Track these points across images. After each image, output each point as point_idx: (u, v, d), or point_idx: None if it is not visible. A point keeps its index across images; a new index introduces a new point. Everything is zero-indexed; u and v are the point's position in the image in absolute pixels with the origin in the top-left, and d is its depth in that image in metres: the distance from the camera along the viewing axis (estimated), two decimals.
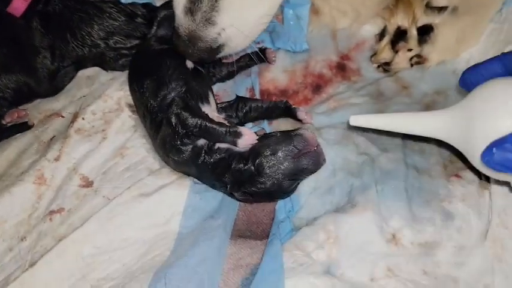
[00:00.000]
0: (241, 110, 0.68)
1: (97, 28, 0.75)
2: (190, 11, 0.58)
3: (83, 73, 0.79)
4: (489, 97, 0.42)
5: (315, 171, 0.59)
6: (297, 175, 0.57)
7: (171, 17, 0.65)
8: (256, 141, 0.58)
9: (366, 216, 0.57)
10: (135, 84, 0.67)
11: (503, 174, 0.45)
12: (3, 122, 0.73)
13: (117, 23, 0.76)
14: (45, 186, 0.66)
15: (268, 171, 0.56)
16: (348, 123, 0.56)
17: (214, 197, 0.63)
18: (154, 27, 0.72)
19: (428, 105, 0.70)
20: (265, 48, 0.75)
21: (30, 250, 0.62)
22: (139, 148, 0.69)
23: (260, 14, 0.62)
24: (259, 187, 0.56)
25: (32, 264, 0.58)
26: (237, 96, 0.70)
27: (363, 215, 0.58)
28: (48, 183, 0.66)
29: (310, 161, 0.57)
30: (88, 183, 0.67)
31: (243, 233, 0.62)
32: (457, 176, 0.61)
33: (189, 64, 0.66)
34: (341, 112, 0.70)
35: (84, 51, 0.76)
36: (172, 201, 0.62)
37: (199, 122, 0.59)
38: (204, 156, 0.59)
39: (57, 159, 0.68)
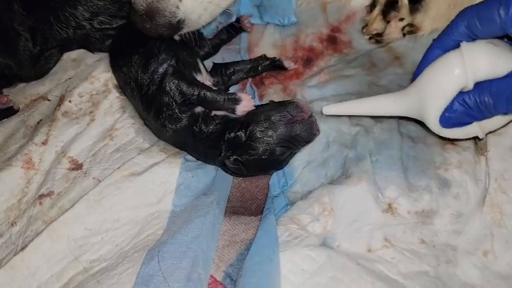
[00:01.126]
0: (225, 75, 0.68)
1: (81, 9, 0.73)
2: None
3: (68, 56, 0.77)
4: (431, 74, 0.50)
5: (309, 141, 0.58)
6: (289, 142, 0.57)
7: None
8: (254, 108, 0.59)
9: (361, 187, 0.56)
10: (120, 61, 0.65)
11: (462, 132, 0.52)
12: None
13: (101, 3, 0.73)
14: (33, 171, 0.65)
15: (260, 135, 0.56)
16: (322, 111, 0.60)
17: (206, 174, 0.62)
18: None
19: None
20: (239, 17, 0.74)
21: (21, 235, 0.60)
22: (129, 129, 0.68)
23: None
24: (252, 153, 0.56)
25: (23, 248, 0.57)
26: (214, 64, 0.70)
27: (357, 185, 0.57)
28: (36, 167, 0.65)
29: (303, 128, 0.57)
30: (77, 166, 0.65)
31: (237, 209, 0.61)
32: (452, 143, 0.60)
33: (176, 36, 0.64)
34: (333, 84, 0.68)
35: (69, 33, 0.74)
36: (163, 180, 0.61)
37: (197, 90, 0.58)
38: (200, 123, 0.59)
39: (44, 142, 0.67)
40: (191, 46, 0.67)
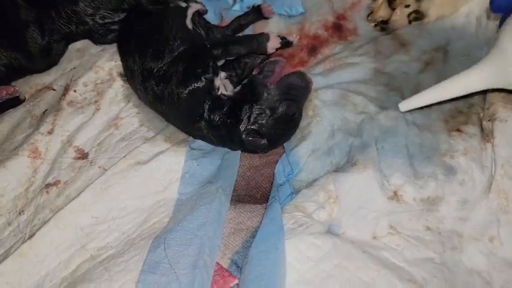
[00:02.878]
0: (238, 68, 0.69)
1: (82, 5, 0.72)
2: None
3: (73, 46, 0.77)
4: (509, 34, 0.46)
5: (304, 88, 0.62)
6: (287, 94, 0.60)
7: None
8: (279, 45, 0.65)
9: (366, 174, 0.56)
10: (131, 49, 0.65)
11: None
12: None
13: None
14: (40, 160, 0.65)
15: (261, 99, 0.60)
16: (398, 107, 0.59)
17: (211, 163, 0.62)
18: None
19: (428, 63, 0.68)
20: (259, 5, 0.74)
21: (29, 223, 0.61)
22: (133, 118, 0.68)
23: None
24: (263, 117, 0.59)
25: (31, 236, 0.58)
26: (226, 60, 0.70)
27: (363, 173, 0.56)
28: (43, 156, 0.65)
29: (293, 76, 0.61)
30: (83, 155, 0.65)
31: (242, 198, 0.62)
32: (458, 130, 0.60)
33: (189, 24, 0.65)
34: (338, 72, 0.68)
35: (72, 29, 0.74)
36: (169, 168, 0.61)
37: (231, 39, 0.65)
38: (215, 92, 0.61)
39: (50, 132, 0.67)
40: (202, 33, 0.67)
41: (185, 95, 0.59)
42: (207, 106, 0.60)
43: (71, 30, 0.74)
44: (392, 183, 0.57)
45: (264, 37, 0.64)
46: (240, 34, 0.74)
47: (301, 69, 0.68)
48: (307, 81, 0.61)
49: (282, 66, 0.62)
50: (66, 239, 0.57)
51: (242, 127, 0.60)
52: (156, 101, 0.62)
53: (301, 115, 0.62)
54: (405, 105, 0.57)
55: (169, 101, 0.61)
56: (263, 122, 0.60)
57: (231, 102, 0.61)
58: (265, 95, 0.60)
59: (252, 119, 0.60)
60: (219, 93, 0.61)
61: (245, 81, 0.63)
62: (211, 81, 0.60)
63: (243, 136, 0.60)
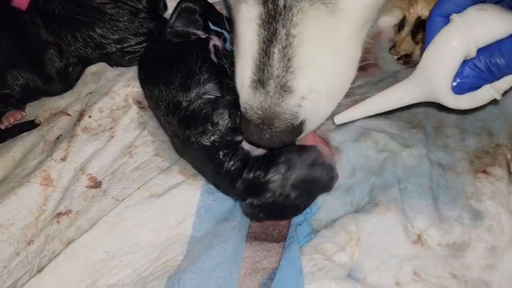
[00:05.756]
0: None
1: (99, 31, 0.72)
2: (260, 82, 0.44)
3: (89, 69, 0.77)
4: (432, 52, 0.49)
5: (327, 187, 0.57)
6: (307, 185, 0.55)
7: (191, 9, 0.64)
8: None
9: (389, 216, 0.54)
10: (155, 78, 0.63)
11: (478, 98, 0.50)
12: (1, 127, 0.71)
13: (120, 24, 0.72)
14: (51, 188, 0.64)
15: (277, 177, 0.54)
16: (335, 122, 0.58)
17: (227, 198, 0.60)
18: (172, 20, 0.68)
19: None
20: None
21: (38, 254, 0.59)
22: (149, 146, 0.67)
23: (345, 67, 0.47)
24: (267, 196, 0.54)
25: (40, 270, 0.56)
26: None
27: (386, 214, 0.55)
28: (55, 184, 0.64)
29: (321, 172, 0.56)
30: (96, 184, 0.64)
31: (258, 235, 0.59)
32: (484, 172, 0.58)
33: (214, 58, 0.63)
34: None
35: (87, 52, 0.73)
36: (184, 202, 0.59)
37: None
38: (227, 151, 0.57)
39: (63, 159, 0.66)
40: (225, 67, 0.65)
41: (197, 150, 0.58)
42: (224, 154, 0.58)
43: (87, 54, 0.73)
44: (416, 226, 0.55)
45: None
46: None
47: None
48: (332, 178, 0.57)
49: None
50: (76, 274, 0.55)
51: (244, 197, 0.56)
52: (174, 135, 0.61)
53: (309, 205, 0.58)
54: (340, 118, 0.57)
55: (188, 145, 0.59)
56: (267, 202, 0.54)
57: (238, 166, 0.57)
58: (283, 171, 0.55)
59: (256, 195, 0.55)
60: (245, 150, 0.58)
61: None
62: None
63: (241, 206, 0.57)
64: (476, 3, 0.47)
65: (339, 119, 0.57)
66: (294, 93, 0.44)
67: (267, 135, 0.47)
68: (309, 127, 0.48)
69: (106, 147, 0.67)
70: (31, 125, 0.71)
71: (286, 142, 0.49)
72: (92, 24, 0.72)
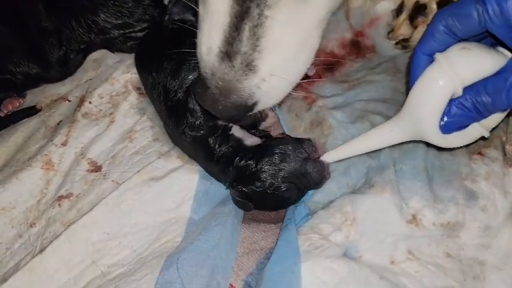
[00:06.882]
0: None
1: (103, 16, 0.72)
2: (227, 54, 0.44)
3: (89, 56, 0.77)
4: (418, 92, 0.48)
5: (317, 183, 0.57)
6: (298, 179, 0.55)
7: None
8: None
9: (384, 197, 0.55)
10: (150, 64, 0.64)
11: (466, 137, 0.50)
12: (1, 115, 0.72)
13: (124, 10, 0.73)
14: (53, 172, 0.65)
15: (269, 167, 0.55)
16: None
17: None
18: (170, 6, 0.68)
19: None
20: None
21: (40, 236, 0.60)
22: (148, 131, 0.67)
23: (307, 57, 0.48)
24: (258, 185, 0.55)
25: (42, 250, 0.57)
26: None
27: (381, 195, 0.55)
28: (56, 168, 0.65)
29: (314, 168, 0.55)
30: (96, 168, 0.65)
31: (256, 216, 0.61)
32: (480, 154, 0.58)
33: None
34: (356, 91, 0.67)
35: (91, 38, 0.74)
36: (182, 186, 0.60)
37: None
38: (217, 137, 0.58)
39: (64, 143, 0.67)
40: None
41: (188, 140, 0.59)
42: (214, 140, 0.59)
43: (90, 40, 0.74)
44: (411, 207, 0.55)
45: (261, 114, 0.57)
46: None
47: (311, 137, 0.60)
48: (324, 176, 0.56)
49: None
50: (77, 254, 0.56)
51: (234, 185, 0.56)
52: (165, 124, 0.63)
53: (299, 200, 0.58)
54: (328, 157, 0.56)
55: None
56: (257, 191, 0.55)
57: (230, 154, 0.57)
58: (276, 162, 0.55)
59: (247, 183, 0.55)
60: (218, 145, 0.58)
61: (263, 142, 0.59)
62: (214, 126, 0.59)
63: (231, 192, 0.57)
64: (459, 41, 0.47)
65: (327, 157, 0.57)
66: (257, 73, 0.44)
67: (220, 106, 0.47)
68: (259, 107, 0.49)
69: (106, 132, 0.68)
70: (32, 111, 0.72)
71: (235, 117, 0.50)
72: (95, 9, 0.72)
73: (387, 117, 0.63)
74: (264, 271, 0.51)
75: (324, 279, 0.49)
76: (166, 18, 0.69)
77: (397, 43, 0.71)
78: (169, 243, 0.57)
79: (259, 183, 0.55)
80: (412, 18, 0.69)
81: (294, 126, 0.65)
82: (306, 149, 0.56)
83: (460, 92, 0.46)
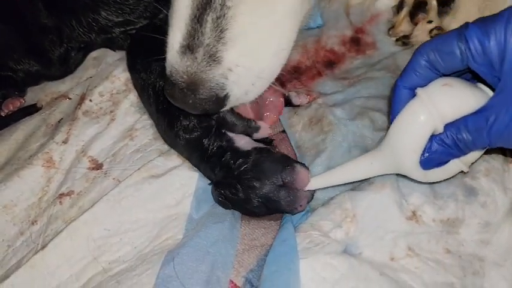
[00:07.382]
0: None
1: (104, 14, 0.72)
2: (189, 47, 0.44)
3: (90, 54, 0.77)
4: (399, 127, 0.49)
5: (286, 210, 0.56)
6: (268, 201, 0.55)
7: None
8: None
9: (384, 193, 0.55)
10: (139, 65, 0.64)
11: (446, 172, 0.50)
12: (2, 114, 0.73)
13: (125, 7, 0.73)
14: (54, 169, 0.65)
15: (244, 179, 0.54)
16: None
17: None
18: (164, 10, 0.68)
19: None
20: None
21: (41, 234, 0.61)
22: (149, 129, 0.68)
23: (276, 48, 0.48)
24: (233, 192, 0.55)
25: (43, 247, 0.57)
26: None
27: (381, 192, 0.55)
28: (57, 166, 0.65)
29: (286, 197, 0.54)
30: (97, 166, 0.65)
31: None
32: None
33: None
34: (356, 87, 0.67)
35: (92, 37, 0.74)
36: (182, 183, 0.60)
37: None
38: (211, 137, 0.58)
39: (65, 141, 0.67)
40: None
41: (182, 142, 0.59)
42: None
43: (91, 39, 0.74)
44: (411, 203, 0.55)
45: (254, 127, 0.60)
46: None
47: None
48: (295, 207, 0.55)
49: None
50: (78, 250, 0.56)
51: (216, 184, 0.56)
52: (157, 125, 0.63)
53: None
54: (309, 185, 0.56)
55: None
56: (230, 197, 0.55)
57: (220, 153, 0.57)
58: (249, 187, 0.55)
59: (227, 185, 0.55)
60: (211, 144, 0.58)
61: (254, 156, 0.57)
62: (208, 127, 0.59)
63: (212, 191, 0.57)
64: (440, 76, 0.47)
65: (311, 186, 0.56)
66: (221, 64, 0.44)
67: (190, 101, 0.47)
68: (232, 101, 0.49)
69: (107, 130, 0.68)
70: (33, 109, 0.72)
71: (208, 111, 0.50)
72: (96, 7, 0.72)
73: (387, 114, 0.63)
74: (263, 270, 0.51)
75: (324, 276, 0.49)
76: (159, 17, 0.69)
77: (397, 40, 0.71)
78: (170, 240, 0.57)
79: (234, 190, 0.55)
80: (413, 15, 0.69)
81: (293, 123, 0.65)
82: (283, 177, 0.54)
83: (441, 129, 0.46)
